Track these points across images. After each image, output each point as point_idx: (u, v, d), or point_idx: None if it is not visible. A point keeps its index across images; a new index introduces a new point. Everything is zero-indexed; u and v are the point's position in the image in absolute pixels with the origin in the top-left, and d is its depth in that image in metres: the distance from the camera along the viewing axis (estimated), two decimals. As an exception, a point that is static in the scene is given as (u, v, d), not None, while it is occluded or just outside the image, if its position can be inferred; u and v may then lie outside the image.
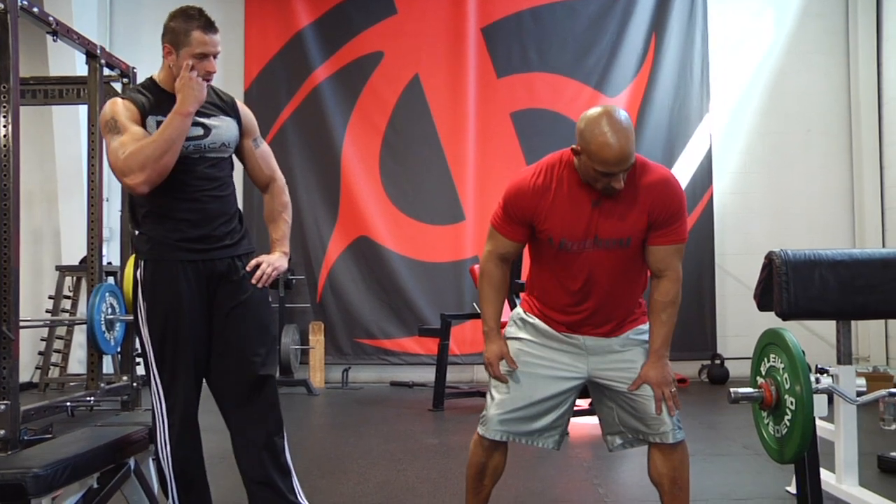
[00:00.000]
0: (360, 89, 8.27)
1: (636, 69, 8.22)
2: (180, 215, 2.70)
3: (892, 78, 7.85)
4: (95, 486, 2.89)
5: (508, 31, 8.29)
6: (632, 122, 2.53)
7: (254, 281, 2.77)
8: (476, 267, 6.80)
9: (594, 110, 2.55)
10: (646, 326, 2.78)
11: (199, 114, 2.69)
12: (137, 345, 2.78)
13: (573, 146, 2.59)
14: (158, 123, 2.62)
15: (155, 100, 2.70)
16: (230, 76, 8.14)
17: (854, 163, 8.20)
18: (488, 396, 2.83)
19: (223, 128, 2.78)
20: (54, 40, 5.21)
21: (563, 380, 2.75)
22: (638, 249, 2.68)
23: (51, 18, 4.99)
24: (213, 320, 2.77)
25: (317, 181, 8.18)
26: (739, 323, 7.86)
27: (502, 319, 2.88)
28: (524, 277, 3.85)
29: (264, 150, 2.97)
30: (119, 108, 2.65)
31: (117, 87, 6.16)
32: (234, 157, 2.90)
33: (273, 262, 2.81)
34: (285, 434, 2.86)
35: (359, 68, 8.27)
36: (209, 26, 2.66)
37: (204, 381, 2.83)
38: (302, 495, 2.85)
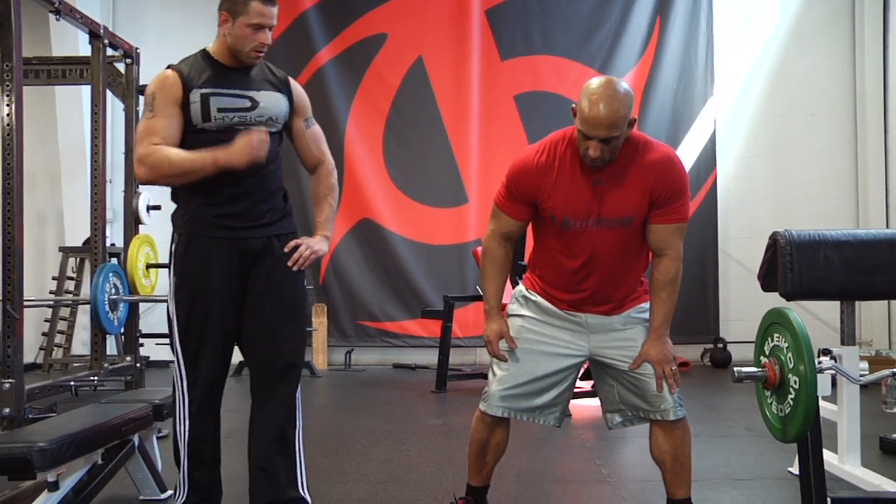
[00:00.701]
0: (364, 71, 8.25)
1: (640, 52, 8.19)
2: (217, 189, 2.66)
3: (898, 62, 7.83)
4: (100, 462, 2.91)
5: (512, 14, 8.25)
6: (633, 100, 2.53)
7: (290, 263, 2.74)
8: (479, 249, 6.80)
9: (599, 77, 2.58)
10: (647, 305, 2.79)
11: (247, 86, 2.69)
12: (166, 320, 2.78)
13: (574, 105, 2.59)
14: (202, 97, 2.62)
15: (204, 72, 2.68)
16: (233, 58, 8.11)
17: (858, 146, 8.19)
18: (490, 373, 2.84)
19: (271, 102, 2.75)
20: (57, 19, 5.17)
21: (564, 357, 2.76)
22: (639, 228, 2.68)
23: (53, -3, 4.97)
24: (246, 300, 2.74)
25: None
26: (742, 307, 7.86)
27: (504, 300, 2.88)
28: (527, 259, 3.84)
29: (315, 132, 2.92)
30: (163, 85, 2.64)
31: (120, 67, 6.13)
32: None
33: (312, 244, 2.78)
34: (299, 424, 2.81)
35: (362, 50, 8.25)
36: None
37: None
38: (305, 488, 2.80)
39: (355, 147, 8.17)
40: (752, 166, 8.24)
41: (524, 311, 2.82)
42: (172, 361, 2.75)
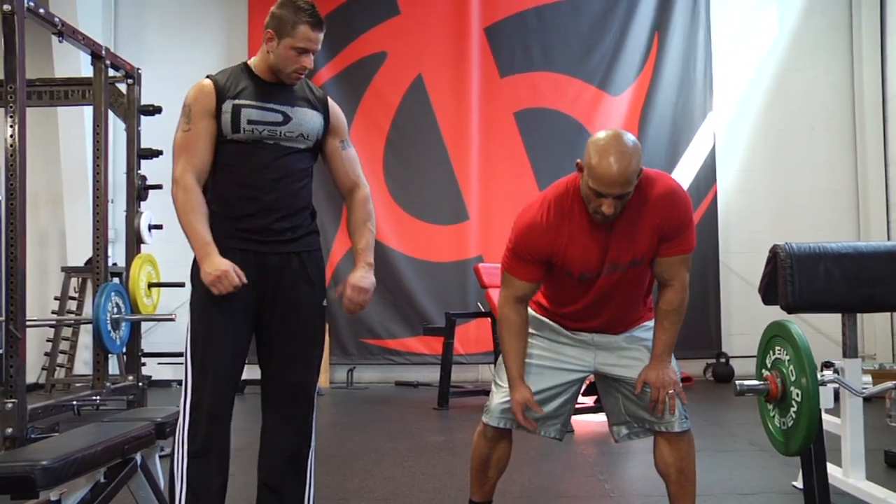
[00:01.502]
0: (364, 90, 8.29)
1: (639, 68, 8.23)
2: (240, 202, 2.64)
3: (896, 75, 7.85)
4: (102, 480, 2.90)
5: (511, 31, 8.30)
6: (641, 151, 2.49)
7: (346, 311, 2.72)
8: (481, 266, 6.82)
9: (605, 131, 2.53)
10: (651, 323, 2.80)
11: (282, 102, 2.68)
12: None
13: (578, 160, 2.55)
14: (234, 108, 2.61)
15: (240, 84, 2.67)
16: (234, 77, 8.16)
17: (858, 160, 8.20)
18: (493, 387, 2.84)
19: (305, 119, 2.71)
20: (60, 41, 5.20)
21: (568, 371, 2.78)
22: (649, 263, 2.69)
23: (56, 19, 5.00)
24: (262, 317, 2.68)
25: (321, 181, 8.02)
26: (744, 321, 7.85)
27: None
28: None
29: (351, 154, 2.88)
30: (199, 95, 2.64)
31: (122, 87, 6.17)
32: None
33: (361, 284, 2.71)
34: (314, 445, 2.76)
35: (362, 69, 8.29)
36: (318, 24, 2.63)
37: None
38: None
39: (356, 165, 8.18)
40: (753, 180, 8.26)
41: (530, 330, 2.81)
42: (180, 381, 2.68)
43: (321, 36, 2.66)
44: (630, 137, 2.49)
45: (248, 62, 2.75)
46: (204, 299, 2.59)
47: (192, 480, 2.56)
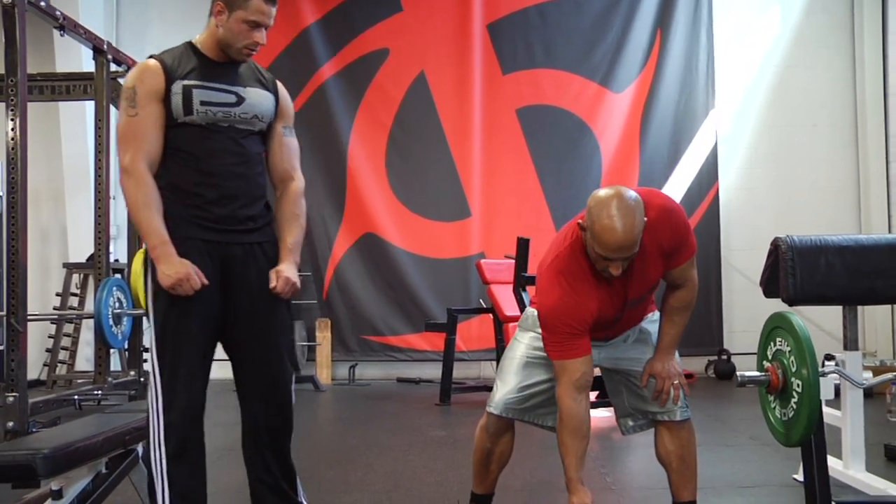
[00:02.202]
0: (366, 86, 8.29)
1: (641, 65, 8.22)
2: (199, 190, 2.50)
3: (898, 72, 7.85)
4: (104, 471, 2.91)
5: (514, 28, 8.29)
6: (641, 206, 2.41)
7: (279, 293, 2.59)
8: (482, 262, 6.83)
9: (605, 190, 2.44)
10: (655, 315, 2.81)
11: (233, 82, 2.56)
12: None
13: (579, 221, 2.49)
14: (185, 89, 2.47)
15: (188, 64, 2.53)
16: (236, 74, 8.17)
17: (860, 157, 8.19)
18: (496, 383, 2.84)
19: (258, 99, 2.60)
20: (61, 35, 5.22)
21: None
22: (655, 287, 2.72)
23: (58, 13, 5.01)
24: (229, 309, 2.56)
25: (323, 178, 8.18)
26: (746, 318, 7.84)
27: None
28: (532, 270, 3.79)
29: (293, 143, 2.75)
30: (143, 76, 2.48)
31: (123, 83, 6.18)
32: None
33: (293, 279, 2.61)
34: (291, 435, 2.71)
35: (364, 65, 8.29)
36: None
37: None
38: (304, 496, 2.73)
39: (358, 162, 8.20)
40: (754, 177, 8.24)
41: (538, 330, 2.71)
42: (148, 378, 2.53)
43: (274, 10, 2.54)
44: (630, 195, 2.40)
45: (193, 40, 2.60)
46: (168, 296, 2.44)
47: (174, 481, 2.46)
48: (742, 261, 8.03)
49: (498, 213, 8.16)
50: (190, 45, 2.59)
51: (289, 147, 2.73)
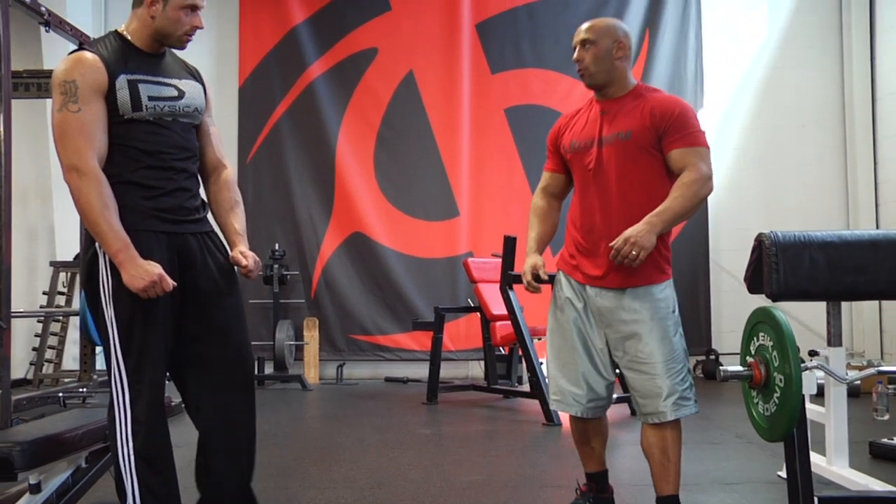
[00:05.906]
0: (355, 86, 8.29)
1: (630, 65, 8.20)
2: (154, 183, 2.47)
3: (886, 73, 7.87)
4: (84, 465, 2.89)
5: (502, 28, 8.30)
6: (623, 29, 2.95)
7: (248, 273, 2.59)
8: (470, 260, 6.82)
9: None
10: (660, 285, 2.83)
11: (170, 75, 2.53)
12: (92, 328, 2.49)
13: None
14: (130, 84, 2.41)
15: (125, 57, 2.45)
16: (224, 73, 8.16)
17: (848, 158, 8.22)
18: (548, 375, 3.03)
19: (195, 92, 2.59)
20: (47, 30, 5.18)
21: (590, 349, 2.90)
22: (642, 148, 2.74)
23: (43, 9, 4.98)
24: (187, 302, 2.52)
25: (311, 177, 8.17)
26: (734, 318, 7.83)
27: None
28: (518, 269, 3.76)
29: (217, 131, 2.75)
30: (84, 70, 2.38)
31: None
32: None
33: (255, 257, 2.63)
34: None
35: (353, 65, 8.29)
36: None
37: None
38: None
39: (346, 161, 8.19)
40: (743, 178, 8.26)
41: (552, 322, 2.98)
42: (110, 375, 2.44)
43: None
44: (622, 27, 2.95)
45: (121, 31, 2.52)
46: (130, 294, 2.38)
47: (143, 478, 2.39)
48: (730, 261, 8.03)
49: (486, 212, 8.16)
50: (119, 36, 2.51)
51: (217, 136, 2.74)
